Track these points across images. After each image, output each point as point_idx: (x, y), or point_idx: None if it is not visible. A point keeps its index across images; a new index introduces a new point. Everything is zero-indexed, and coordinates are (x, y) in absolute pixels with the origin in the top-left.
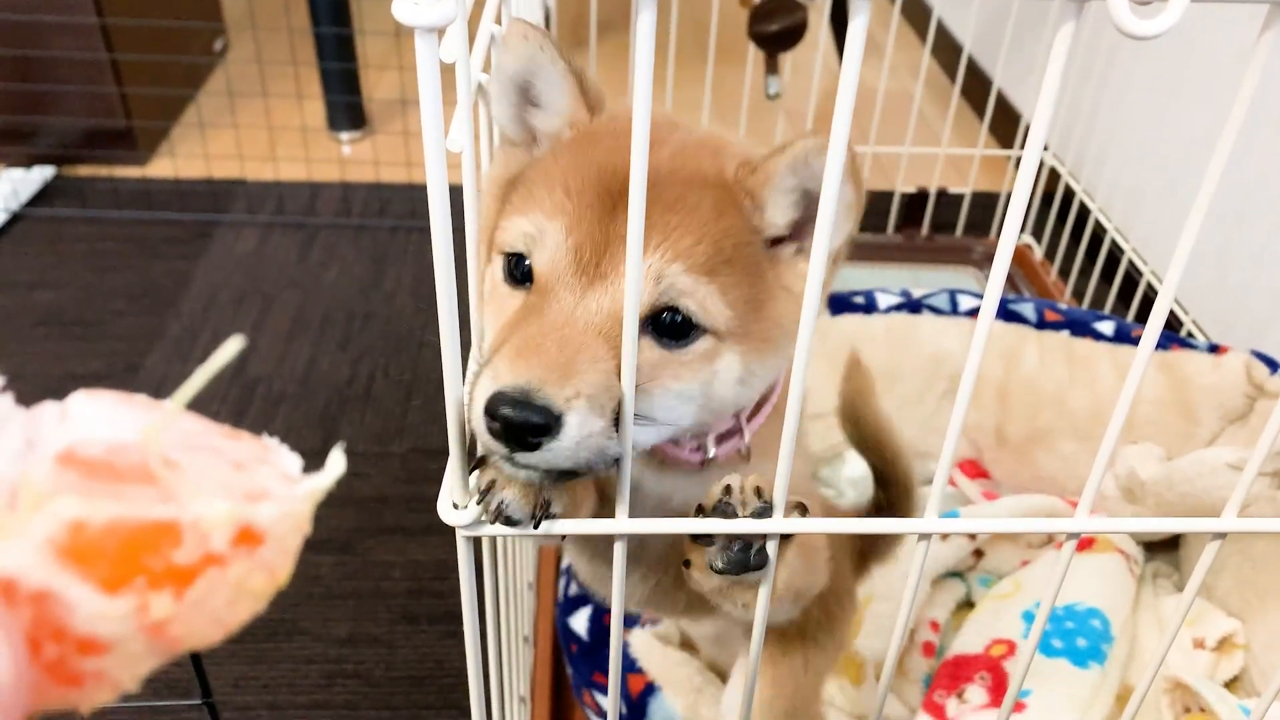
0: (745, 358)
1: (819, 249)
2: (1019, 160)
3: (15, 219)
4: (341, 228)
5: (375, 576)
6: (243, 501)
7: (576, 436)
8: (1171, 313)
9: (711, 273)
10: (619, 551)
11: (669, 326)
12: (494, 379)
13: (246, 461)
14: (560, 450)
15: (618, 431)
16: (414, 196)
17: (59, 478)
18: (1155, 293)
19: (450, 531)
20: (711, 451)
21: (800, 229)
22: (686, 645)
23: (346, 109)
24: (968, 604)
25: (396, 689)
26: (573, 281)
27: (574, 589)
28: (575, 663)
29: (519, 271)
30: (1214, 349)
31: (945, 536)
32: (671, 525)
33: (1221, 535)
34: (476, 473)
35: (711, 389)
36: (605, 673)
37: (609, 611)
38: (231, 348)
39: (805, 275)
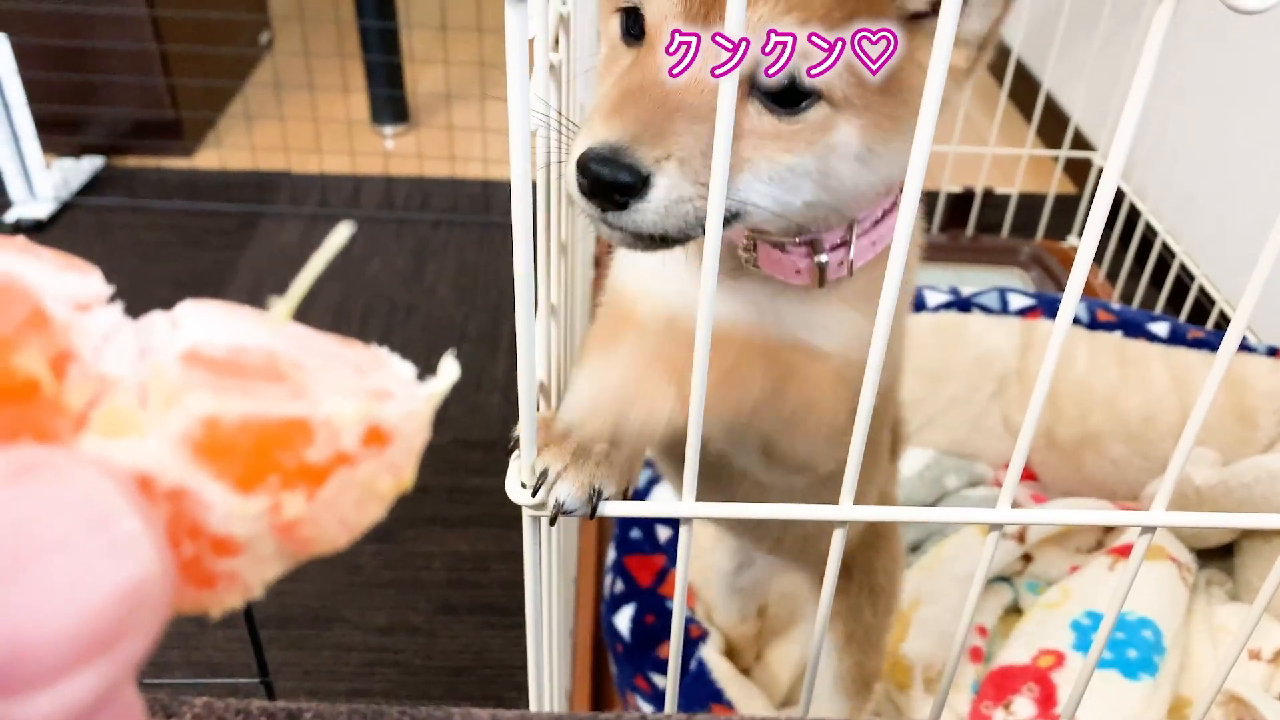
0: (865, 132)
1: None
2: (1067, 161)
3: (65, 208)
4: (384, 221)
5: (415, 566)
6: (370, 401)
7: (664, 200)
8: (1223, 314)
9: (830, 28)
10: (684, 537)
11: (779, 92)
12: (589, 135)
13: (364, 366)
14: (647, 213)
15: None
16: (456, 191)
17: (187, 375)
18: (1208, 297)
19: (489, 523)
20: (823, 256)
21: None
22: (745, 670)
23: (390, 103)
24: (1015, 610)
25: (435, 679)
26: (680, 34)
27: (619, 587)
28: (620, 663)
29: (635, 28)
30: (1273, 352)
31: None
32: (742, 510)
33: None
34: (532, 460)
35: (828, 164)
36: (647, 678)
37: (651, 611)
38: (342, 233)
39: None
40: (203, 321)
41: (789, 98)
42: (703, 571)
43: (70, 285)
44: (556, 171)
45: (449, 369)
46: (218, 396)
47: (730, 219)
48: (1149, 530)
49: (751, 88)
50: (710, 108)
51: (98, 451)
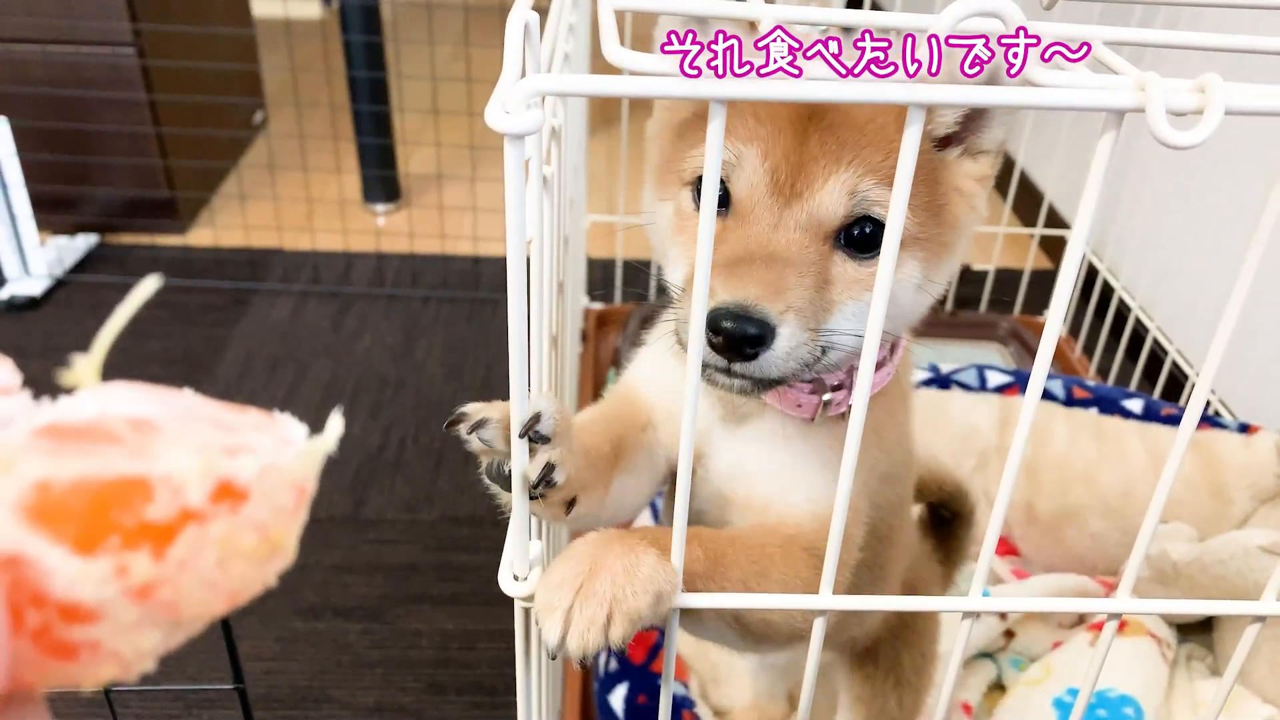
0: (924, 263)
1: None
2: (1041, 238)
3: (59, 285)
4: (374, 297)
5: (403, 645)
6: (219, 457)
7: (787, 347)
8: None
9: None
10: (672, 627)
11: (860, 239)
12: (712, 296)
13: (241, 427)
14: (772, 360)
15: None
16: (446, 267)
17: (33, 444)
18: (1181, 371)
19: (477, 600)
20: (828, 395)
21: (967, 124)
22: None
23: (381, 182)
24: (999, 686)
25: None
26: (770, 202)
27: (613, 665)
28: None
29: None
30: (1244, 428)
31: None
32: (728, 600)
33: (1260, 618)
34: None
35: (896, 296)
36: None
37: (644, 691)
38: (149, 286)
39: (972, 174)
40: (112, 397)
41: (868, 244)
42: (699, 645)
43: None
44: (549, 268)
45: (334, 425)
46: (51, 460)
47: (819, 357)
48: (1114, 617)
49: (836, 239)
50: (809, 262)
51: None
